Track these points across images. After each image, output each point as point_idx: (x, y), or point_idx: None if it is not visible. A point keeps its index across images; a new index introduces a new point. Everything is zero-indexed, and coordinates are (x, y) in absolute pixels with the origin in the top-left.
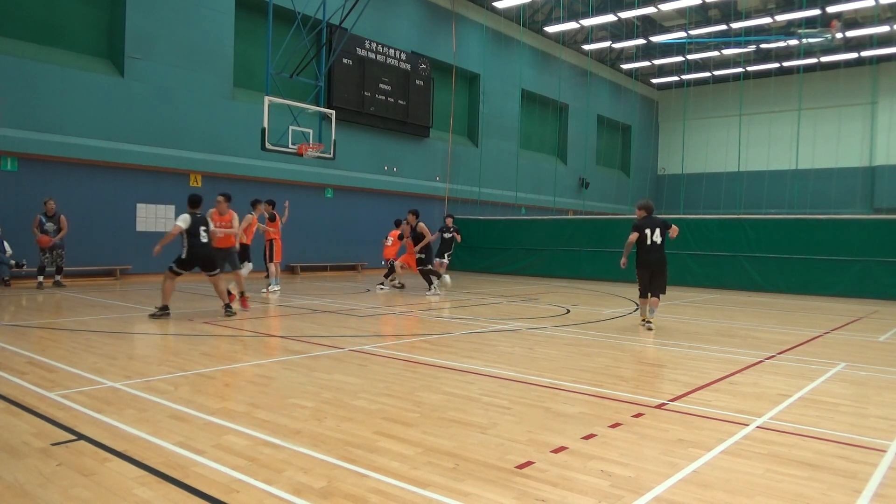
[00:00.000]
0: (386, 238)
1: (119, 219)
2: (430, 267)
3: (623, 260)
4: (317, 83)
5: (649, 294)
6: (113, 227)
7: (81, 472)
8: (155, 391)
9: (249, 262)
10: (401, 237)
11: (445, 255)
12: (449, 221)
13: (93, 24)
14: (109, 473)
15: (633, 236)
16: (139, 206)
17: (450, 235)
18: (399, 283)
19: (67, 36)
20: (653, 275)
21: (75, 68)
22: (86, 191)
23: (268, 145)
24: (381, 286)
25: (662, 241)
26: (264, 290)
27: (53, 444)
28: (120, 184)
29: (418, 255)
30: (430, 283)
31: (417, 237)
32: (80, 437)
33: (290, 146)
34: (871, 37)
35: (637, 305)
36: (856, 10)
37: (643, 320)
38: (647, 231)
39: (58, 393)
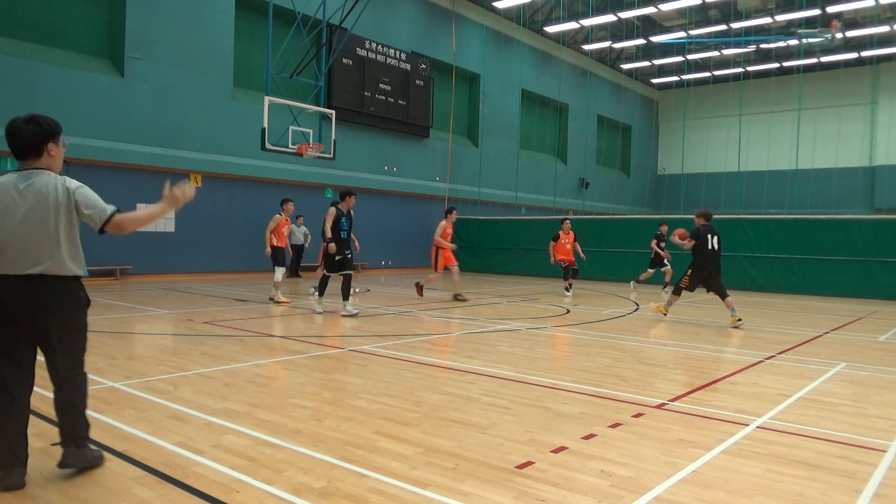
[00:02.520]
0: (556, 241)
1: None
2: (347, 273)
3: (681, 240)
4: (317, 83)
5: (723, 297)
6: None
7: (81, 472)
8: (155, 391)
9: (281, 265)
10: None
11: (665, 264)
12: (664, 229)
13: (93, 24)
14: (109, 473)
15: (691, 244)
16: (139, 205)
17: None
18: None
19: (67, 36)
20: (710, 276)
21: (75, 68)
22: None
23: (268, 145)
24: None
25: (720, 248)
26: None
27: (53, 444)
28: (120, 184)
29: (340, 256)
30: (348, 295)
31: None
32: None
33: (290, 146)
34: (871, 37)
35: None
36: (856, 10)
37: (736, 321)
38: (709, 237)
39: None
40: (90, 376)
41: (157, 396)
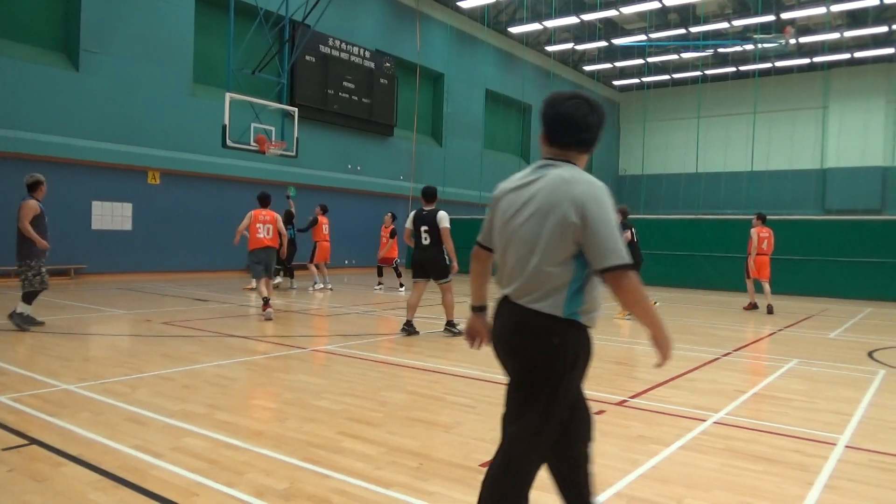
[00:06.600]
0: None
1: (74, 217)
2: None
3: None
4: (279, 80)
5: None
6: (67, 226)
7: (34, 477)
8: (111, 393)
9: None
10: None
11: None
12: None
13: (46, 15)
14: (63, 479)
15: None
16: (95, 203)
17: None
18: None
19: (20, 28)
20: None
21: (28, 61)
22: None
23: (228, 143)
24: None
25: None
26: (310, 289)
27: (4, 450)
28: (75, 181)
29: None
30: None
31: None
32: (33, 441)
33: (252, 144)
34: (822, 43)
35: None
36: (808, 17)
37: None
38: (632, 230)
39: (8, 396)
40: (43, 379)
41: (113, 399)
